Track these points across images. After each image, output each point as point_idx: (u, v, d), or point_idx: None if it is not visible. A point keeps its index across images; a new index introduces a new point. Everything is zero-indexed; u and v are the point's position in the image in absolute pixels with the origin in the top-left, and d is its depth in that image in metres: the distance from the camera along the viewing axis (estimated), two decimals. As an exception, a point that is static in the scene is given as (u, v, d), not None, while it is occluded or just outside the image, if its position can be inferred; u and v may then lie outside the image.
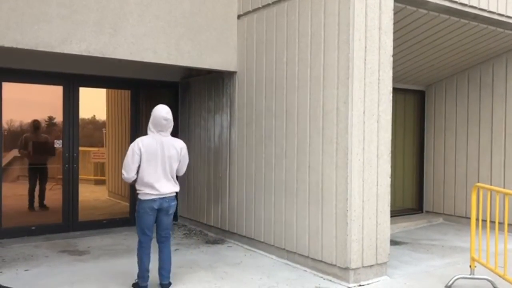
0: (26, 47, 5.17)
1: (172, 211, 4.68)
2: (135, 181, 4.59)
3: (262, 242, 6.19)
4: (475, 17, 6.23)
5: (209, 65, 6.49)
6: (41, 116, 7.75)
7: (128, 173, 4.51)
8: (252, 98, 6.41)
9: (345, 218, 4.90)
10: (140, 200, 4.57)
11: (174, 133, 8.20)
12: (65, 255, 6.04)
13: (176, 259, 5.89)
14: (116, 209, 9.23)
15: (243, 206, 6.58)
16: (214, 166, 7.28)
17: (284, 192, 5.80)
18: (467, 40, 7.01)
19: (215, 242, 6.85)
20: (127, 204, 8.15)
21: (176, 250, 6.34)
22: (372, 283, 4.98)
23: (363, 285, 4.92)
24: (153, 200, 4.52)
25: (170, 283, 4.74)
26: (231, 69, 6.68)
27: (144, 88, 8.17)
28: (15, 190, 7.70)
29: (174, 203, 4.68)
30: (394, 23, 5.42)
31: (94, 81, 7.63)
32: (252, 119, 6.39)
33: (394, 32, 5.46)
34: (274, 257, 5.95)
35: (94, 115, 10.94)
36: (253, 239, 6.37)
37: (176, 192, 4.72)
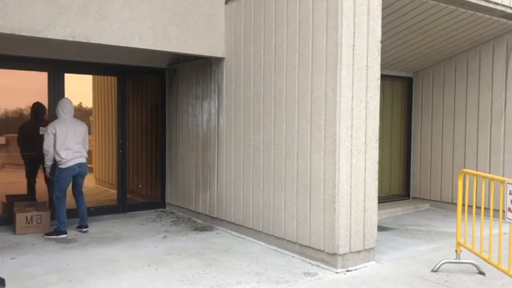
0: (8, 32, 5.06)
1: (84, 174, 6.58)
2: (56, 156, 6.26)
3: (251, 228, 6.20)
4: (463, 4, 6.23)
5: (197, 51, 6.42)
6: (26, 103, 7.61)
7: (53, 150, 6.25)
8: (240, 84, 6.36)
9: (333, 204, 4.92)
10: (62, 168, 6.25)
11: (161, 120, 8.24)
12: (52, 243, 6.00)
13: (164, 246, 5.89)
14: (103, 196, 9.18)
15: (232, 193, 6.57)
16: (202, 153, 7.25)
17: (273, 179, 5.80)
18: (455, 27, 7.02)
19: (203, 229, 6.85)
20: (115, 191, 8.10)
21: (165, 237, 6.33)
22: (359, 268, 5.03)
23: (350, 270, 4.96)
24: (74, 167, 6.34)
25: (86, 225, 6.53)
26: (219, 55, 6.61)
27: (130, 74, 8.07)
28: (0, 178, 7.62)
29: (85, 166, 6.55)
30: (383, 9, 5.39)
31: (79, 67, 7.50)
32: (241, 105, 6.36)
33: (383, 18, 5.44)
34: (262, 243, 5.97)
35: (81, 103, 10.81)
36: (241, 225, 6.38)
37: (86, 158, 6.59)
